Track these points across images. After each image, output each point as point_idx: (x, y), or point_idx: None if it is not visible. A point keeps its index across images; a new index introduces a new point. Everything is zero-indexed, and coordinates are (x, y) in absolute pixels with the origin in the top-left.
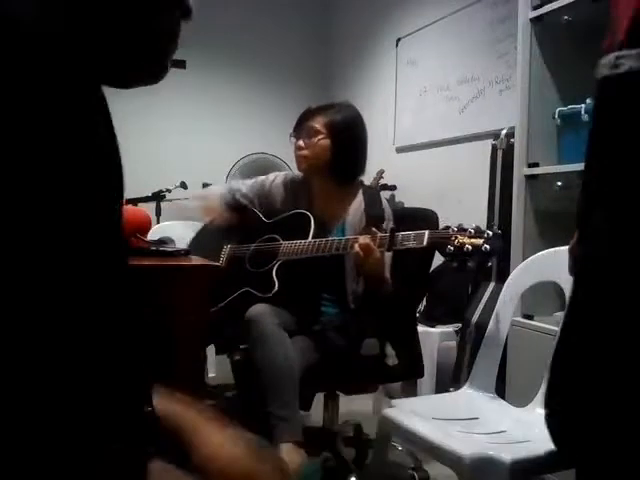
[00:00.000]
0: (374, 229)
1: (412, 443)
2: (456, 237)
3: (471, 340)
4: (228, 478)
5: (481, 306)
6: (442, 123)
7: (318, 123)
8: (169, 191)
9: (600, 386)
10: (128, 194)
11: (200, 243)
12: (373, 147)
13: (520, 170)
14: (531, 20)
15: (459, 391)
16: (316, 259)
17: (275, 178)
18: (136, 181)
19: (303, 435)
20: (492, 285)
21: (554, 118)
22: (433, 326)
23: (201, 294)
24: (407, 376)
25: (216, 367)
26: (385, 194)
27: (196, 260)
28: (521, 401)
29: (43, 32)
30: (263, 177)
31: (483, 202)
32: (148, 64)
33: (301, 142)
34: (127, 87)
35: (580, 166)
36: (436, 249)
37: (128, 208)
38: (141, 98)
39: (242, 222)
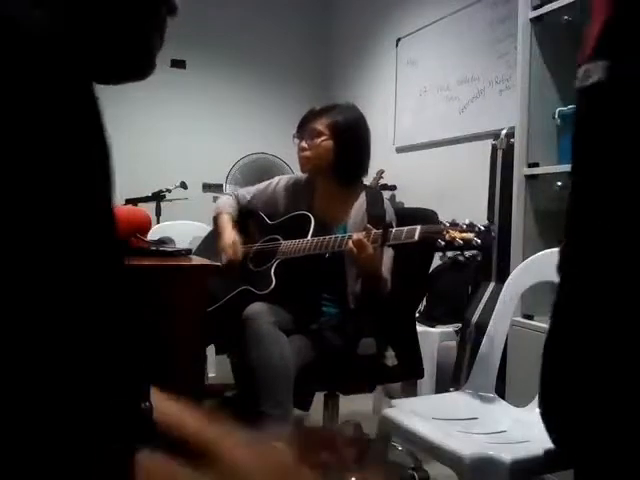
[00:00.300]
0: (369, 225)
1: (412, 443)
2: (447, 232)
3: (471, 340)
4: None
5: (481, 306)
6: (442, 123)
7: (321, 124)
8: (169, 191)
9: (589, 381)
10: (128, 194)
11: (208, 245)
12: (373, 147)
13: (520, 170)
14: (531, 20)
15: (459, 391)
16: (316, 259)
17: (279, 181)
18: (136, 181)
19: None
20: (492, 285)
21: (554, 118)
22: (433, 326)
23: (201, 294)
24: (407, 376)
25: (216, 367)
26: (385, 194)
27: (196, 260)
28: (521, 401)
29: (39, 31)
30: (267, 181)
31: (483, 202)
32: (134, 60)
33: (304, 143)
34: (112, 83)
35: None
36: (428, 244)
37: (128, 208)
38: (141, 98)
39: (248, 225)
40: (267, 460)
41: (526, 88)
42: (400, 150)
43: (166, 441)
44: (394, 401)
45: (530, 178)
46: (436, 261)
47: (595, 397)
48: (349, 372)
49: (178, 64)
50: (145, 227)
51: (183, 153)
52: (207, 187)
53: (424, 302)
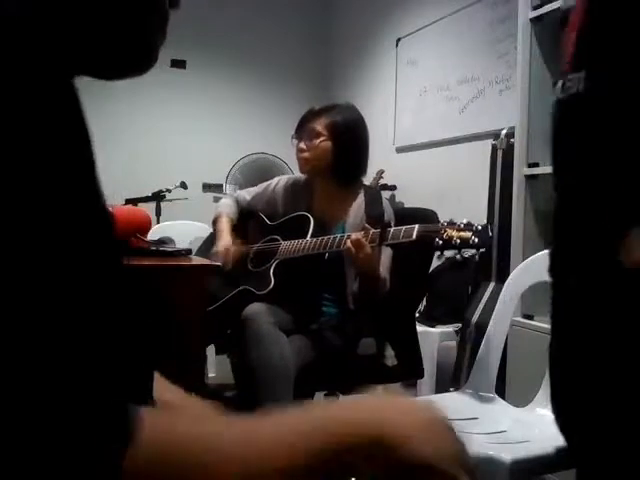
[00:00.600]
0: (367, 225)
1: None
2: (445, 230)
3: (471, 340)
4: None
5: (481, 306)
6: (442, 123)
7: (319, 125)
8: (169, 191)
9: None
10: (128, 194)
11: (209, 246)
12: (373, 147)
13: (520, 170)
14: (531, 20)
15: (459, 391)
16: (316, 259)
17: (278, 182)
18: (136, 181)
19: None
20: (492, 285)
21: None
22: (433, 326)
23: (201, 294)
24: (407, 377)
25: (216, 367)
26: (385, 194)
27: (196, 260)
28: (521, 401)
29: (12, 22)
30: (267, 182)
31: (483, 202)
32: (135, 54)
33: (302, 144)
34: (113, 79)
35: None
36: (426, 243)
37: (128, 208)
38: (141, 98)
39: (248, 226)
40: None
41: (526, 88)
42: (400, 150)
43: None
44: None
45: (530, 178)
46: (436, 261)
47: (596, 394)
48: (349, 372)
49: (178, 64)
50: (145, 227)
51: (183, 153)
52: (207, 187)
53: (424, 302)
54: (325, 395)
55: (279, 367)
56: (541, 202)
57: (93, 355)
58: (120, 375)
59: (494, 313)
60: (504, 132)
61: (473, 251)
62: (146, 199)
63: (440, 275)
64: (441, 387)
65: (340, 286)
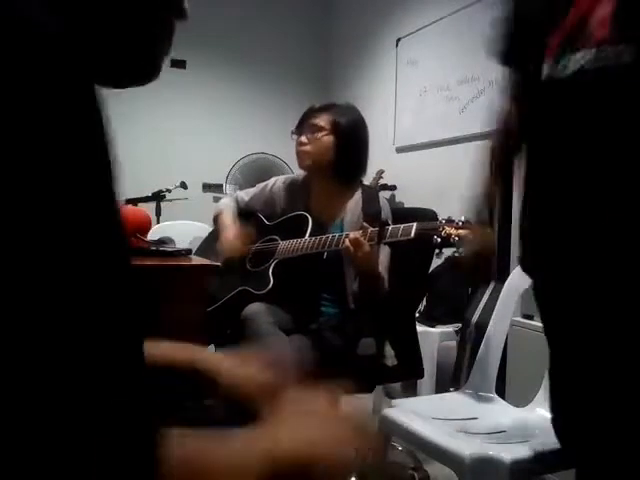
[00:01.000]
0: (365, 224)
1: (412, 443)
2: (443, 228)
3: (471, 340)
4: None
5: (481, 306)
6: (442, 123)
7: (322, 120)
8: (169, 191)
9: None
10: (128, 194)
11: (209, 246)
12: (373, 147)
13: (520, 170)
14: None
15: (459, 391)
16: (314, 259)
17: (275, 182)
18: (136, 181)
19: None
20: (492, 285)
21: None
22: (433, 326)
23: (201, 294)
24: (407, 376)
25: None
26: (385, 194)
27: (196, 260)
28: (521, 401)
29: (53, 34)
30: (264, 183)
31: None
32: (141, 64)
33: (304, 138)
34: (119, 87)
35: None
36: (425, 241)
37: (128, 208)
38: (141, 98)
39: (247, 226)
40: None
41: None
42: (400, 150)
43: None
44: (394, 401)
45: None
46: (436, 261)
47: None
48: (349, 372)
49: (178, 64)
50: (145, 227)
51: (183, 153)
52: (207, 187)
53: (424, 302)
54: None
55: (279, 367)
56: None
57: (97, 354)
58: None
59: (494, 313)
60: None
61: None
62: (146, 199)
63: (440, 275)
64: (441, 387)
65: (339, 286)
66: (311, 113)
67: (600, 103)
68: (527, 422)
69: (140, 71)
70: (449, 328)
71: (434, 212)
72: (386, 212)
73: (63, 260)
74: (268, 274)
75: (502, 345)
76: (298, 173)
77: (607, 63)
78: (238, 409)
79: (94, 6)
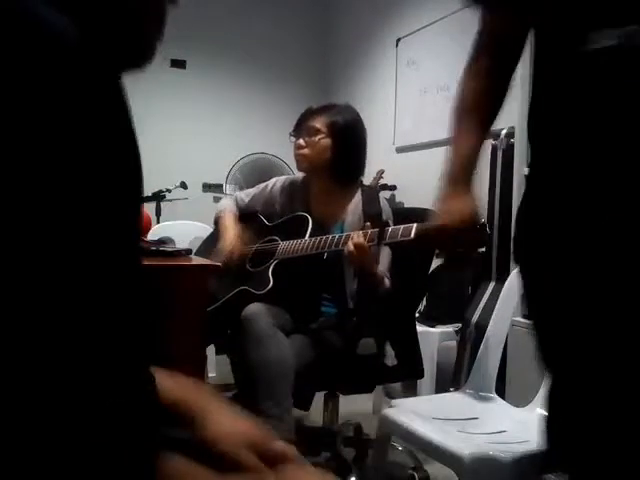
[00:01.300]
0: (367, 224)
1: (412, 443)
2: None
3: (471, 340)
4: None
5: (481, 306)
6: (442, 123)
7: (319, 123)
8: (169, 191)
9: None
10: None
11: (208, 246)
12: (373, 147)
13: (520, 170)
14: None
15: (459, 391)
16: (314, 259)
17: (275, 182)
18: None
19: (297, 434)
20: (492, 285)
21: None
22: (433, 326)
23: (201, 294)
24: (407, 376)
25: (216, 367)
26: (385, 194)
27: (196, 260)
28: (521, 401)
29: (68, 34)
30: (264, 183)
31: (483, 202)
32: (132, 50)
33: (301, 141)
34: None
35: None
36: (425, 242)
37: None
38: (141, 98)
39: (247, 227)
40: (249, 426)
41: (526, 88)
42: (400, 150)
43: (167, 416)
44: (394, 401)
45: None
46: (436, 261)
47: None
48: (349, 372)
49: (178, 64)
50: (145, 227)
51: (183, 153)
52: (207, 187)
53: (424, 302)
54: (325, 395)
55: (279, 367)
56: None
57: (100, 353)
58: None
59: (494, 313)
60: (504, 132)
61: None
62: (146, 199)
63: (440, 275)
64: (441, 387)
65: (339, 286)
66: (308, 115)
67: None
68: (527, 422)
69: (131, 56)
70: (449, 328)
71: (434, 212)
72: (387, 213)
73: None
74: (268, 274)
75: (502, 345)
76: (298, 174)
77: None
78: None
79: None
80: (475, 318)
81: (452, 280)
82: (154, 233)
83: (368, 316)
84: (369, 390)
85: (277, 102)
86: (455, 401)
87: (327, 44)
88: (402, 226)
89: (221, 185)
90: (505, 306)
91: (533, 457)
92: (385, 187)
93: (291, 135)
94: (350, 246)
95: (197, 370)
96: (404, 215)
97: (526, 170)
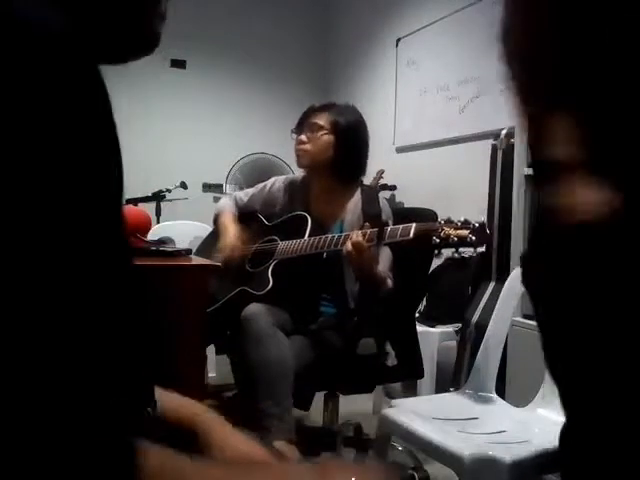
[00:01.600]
0: (367, 224)
1: (412, 443)
2: (442, 229)
3: (471, 340)
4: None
5: (481, 306)
6: (442, 123)
7: (322, 120)
8: (169, 191)
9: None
10: (128, 194)
11: (208, 246)
12: (373, 147)
13: (520, 170)
14: None
15: (459, 391)
16: (314, 259)
17: (274, 182)
18: (136, 181)
19: (297, 434)
20: (492, 285)
21: None
22: (433, 326)
23: (201, 294)
24: (407, 376)
25: (216, 367)
26: (385, 194)
27: (196, 260)
28: (521, 401)
29: (52, 30)
30: (263, 183)
31: (483, 202)
32: (133, 35)
33: (303, 136)
34: (119, 61)
35: None
36: (424, 242)
37: (128, 208)
38: (141, 98)
39: (246, 227)
40: (252, 448)
41: None
42: (400, 150)
43: (166, 431)
44: (394, 401)
45: (530, 178)
46: (436, 261)
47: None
48: (349, 372)
49: (178, 64)
50: (145, 227)
51: (183, 153)
52: (207, 187)
53: (424, 302)
54: (325, 395)
55: (279, 367)
56: None
57: (99, 355)
58: (124, 377)
59: (494, 313)
60: (504, 132)
61: (472, 250)
62: (146, 199)
63: (440, 275)
64: (441, 387)
65: (339, 286)
66: (311, 112)
67: None
68: (527, 422)
69: (134, 42)
70: (449, 328)
71: (434, 212)
72: (387, 213)
73: (63, 258)
74: (267, 274)
75: (502, 345)
76: (298, 173)
77: None
78: None
79: None
80: (475, 318)
81: (452, 280)
82: (154, 233)
83: (369, 316)
84: (369, 390)
85: (277, 102)
86: (455, 401)
87: (327, 44)
88: (401, 226)
89: (221, 185)
90: (505, 306)
91: (533, 457)
92: (385, 187)
93: (293, 132)
94: (348, 245)
95: (197, 370)
96: (404, 215)
97: (526, 170)
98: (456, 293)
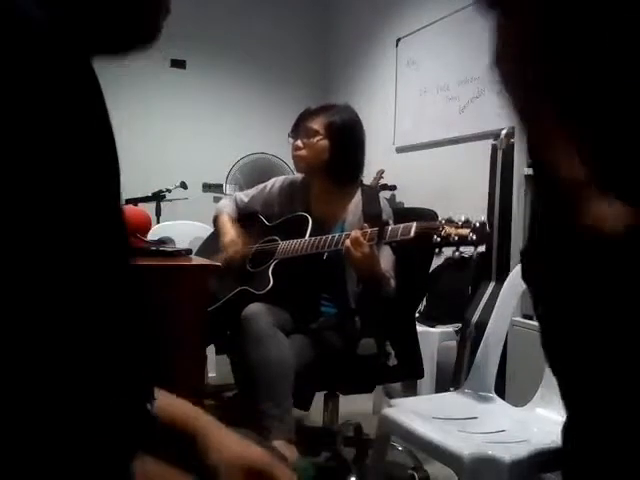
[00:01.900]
0: (365, 224)
1: (412, 443)
2: (443, 228)
3: (471, 340)
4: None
5: (481, 306)
6: (442, 123)
7: (316, 124)
8: (169, 191)
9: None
10: (128, 194)
11: (208, 247)
12: (373, 147)
13: (520, 170)
14: None
15: (458, 391)
16: (314, 259)
17: (274, 183)
18: (136, 181)
19: (297, 434)
20: (492, 285)
21: None
22: (433, 326)
23: (201, 294)
24: (407, 376)
25: (216, 367)
26: (385, 194)
27: (196, 260)
28: (521, 401)
29: (43, 26)
30: (263, 184)
31: (483, 202)
32: (136, 25)
33: (299, 142)
34: (122, 52)
35: None
36: (425, 241)
37: (128, 208)
38: (141, 98)
39: (247, 227)
40: (248, 449)
41: None
42: (400, 150)
43: (164, 434)
44: (393, 401)
45: (530, 178)
46: (436, 261)
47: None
48: (349, 372)
49: (178, 64)
50: (145, 227)
51: (183, 153)
52: (207, 187)
53: (424, 302)
54: (325, 395)
55: (279, 367)
56: None
57: (99, 355)
58: (123, 377)
59: (493, 312)
60: (504, 132)
61: (472, 250)
62: (146, 199)
63: (440, 275)
64: (441, 387)
65: (339, 286)
66: (306, 116)
67: None
68: (526, 422)
69: (138, 31)
70: (449, 328)
71: (434, 212)
72: (387, 213)
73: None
74: (268, 274)
75: (501, 345)
76: (297, 174)
77: None
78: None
79: None
80: (475, 318)
81: (452, 280)
82: (154, 233)
83: (369, 316)
84: (369, 390)
85: (277, 102)
86: (454, 401)
87: (327, 44)
88: (402, 225)
89: (221, 185)
90: (505, 305)
91: (532, 457)
92: (385, 187)
93: (289, 136)
94: (347, 242)
95: (197, 370)
96: (404, 215)
97: (526, 170)
98: (456, 293)
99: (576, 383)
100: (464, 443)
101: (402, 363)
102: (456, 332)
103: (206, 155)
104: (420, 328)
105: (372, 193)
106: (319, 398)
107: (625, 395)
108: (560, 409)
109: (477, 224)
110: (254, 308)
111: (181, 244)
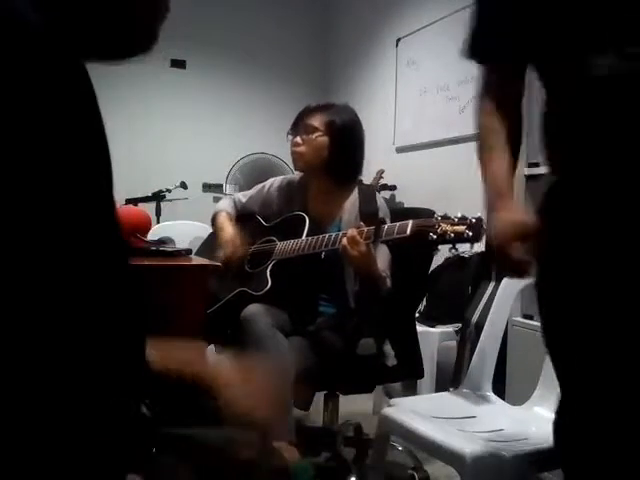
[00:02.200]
0: (361, 223)
1: (412, 442)
2: (439, 225)
3: (471, 340)
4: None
5: (481, 306)
6: (442, 123)
7: (316, 121)
8: (169, 191)
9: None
10: (128, 194)
11: (208, 247)
12: (373, 147)
13: (520, 170)
14: None
15: (457, 390)
16: (312, 259)
17: (272, 183)
18: (136, 181)
19: (299, 435)
20: (492, 285)
21: None
22: (433, 326)
23: (201, 294)
24: (407, 376)
25: None
26: (385, 194)
27: (196, 260)
28: (521, 400)
29: (37, 29)
30: (261, 184)
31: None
32: (134, 32)
33: (298, 139)
34: (118, 58)
35: None
36: (421, 238)
37: (128, 208)
38: (141, 98)
39: (245, 228)
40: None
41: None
42: (400, 150)
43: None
44: (393, 400)
45: (530, 178)
46: (436, 261)
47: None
48: (349, 372)
49: (178, 64)
50: (145, 227)
51: (183, 153)
52: (207, 187)
53: (424, 302)
54: (325, 395)
55: (277, 368)
56: None
57: (98, 354)
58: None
59: (491, 311)
60: None
61: (470, 248)
62: (146, 199)
63: (440, 275)
64: (441, 387)
65: (338, 286)
66: (306, 113)
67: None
68: (524, 420)
69: (136, 40)
70: (449, 328)
71: (434, 212)
72: (384, 211)
73: (58, 258)
74: (266, 275)
75: (499, 343)
76: (296, 174)
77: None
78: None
79: None
80: (475, 318)
81: (452, 280)
82: (154, 233)
83: (368, 316)
84: (369, 390)
85: (277, 102)
86: (453, 400)
87: (327, 44)
88: (398, 223)
89: (221, 185)
90: (502, 304)
91: (531, 455)
92: (385, 187)
93: (289, 133)
94: (344, 241)
95: None
96: (404, 215)
97: (526, 170)
98: (456, 293)
99: (575, 372)
100: (466, 441)
101: (402, 363)
102: (456, 332)
103: (206, 155)
104: (420, 328)
105: (369, 191)
106: (319, 398)
107: (624, 383)
108: (558, 408)
109: (473, 220)
110: (253, 309)
111: (181, 244)
